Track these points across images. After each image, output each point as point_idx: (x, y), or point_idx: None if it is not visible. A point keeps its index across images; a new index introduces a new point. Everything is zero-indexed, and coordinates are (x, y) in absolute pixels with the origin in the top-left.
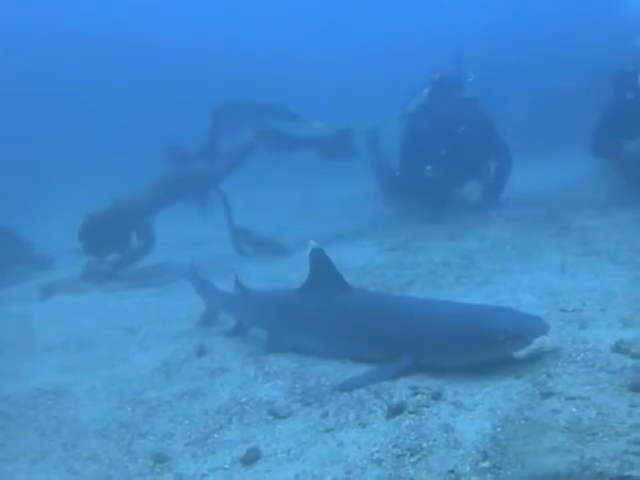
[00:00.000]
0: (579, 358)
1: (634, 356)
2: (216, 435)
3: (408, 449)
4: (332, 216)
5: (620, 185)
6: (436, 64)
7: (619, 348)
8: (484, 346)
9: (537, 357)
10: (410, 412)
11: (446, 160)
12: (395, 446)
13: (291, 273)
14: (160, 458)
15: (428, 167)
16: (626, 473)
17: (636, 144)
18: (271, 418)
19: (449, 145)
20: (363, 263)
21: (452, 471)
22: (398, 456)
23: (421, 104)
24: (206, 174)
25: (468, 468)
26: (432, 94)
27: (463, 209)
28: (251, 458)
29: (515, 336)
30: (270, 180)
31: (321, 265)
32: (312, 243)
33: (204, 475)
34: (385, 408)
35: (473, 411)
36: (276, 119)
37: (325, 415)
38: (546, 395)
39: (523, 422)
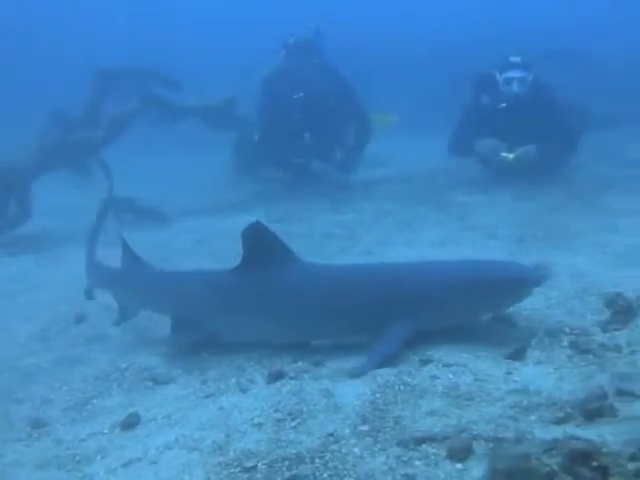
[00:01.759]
0: (458, 327)
1: (513, 326)
2: (95, 401)
3: (289, 413)
4: (217, 186)
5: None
6: (294, 29)
7: (497, 317)
8: (496, 296)
9: None
10: (291, 378)
11: (301, 126)
12: (276, 410)
13: (175, 241)
14: (38, 423)
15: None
16: (500, 435)
17: (484, 142)
18: (151, 384)
19: (304, 111)
20: None
21: (331, 434)
22: (278, 420)
23: (276, 68)
24: (86, 141)
25: (347, 431)
26: (287, 58)
27: (328, 180)
28: (130, 423)
29: (529, 282)
30: (154, 149)
31: (260, 239)
32: (252, 220)
33: (82, 440)
34: (266, 374)
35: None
36: (159, 87)
37: (205, 381)
38: (425, 362)
39: (402, 387)
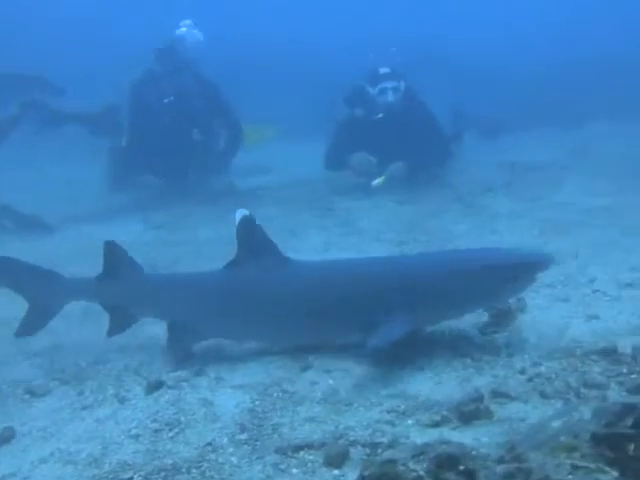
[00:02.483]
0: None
1: None
2: None
3: (166, 424)
4: (98, 193)
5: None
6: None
7: None
8: (506, 282)
9: None
10: (169, 387)
11: (171, 131)
12: (153, 421)
13: (57, 250)
14: None
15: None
16: (377, 440)
17: (356, 157)
18: (27, 397)
19: (173, 116)
20: (129, 241)
21: (209, 444)
22: (156, 431)
23: (145, 74)
24: None
25: (225, 440)
26: (155, 63)
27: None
28: (5, 437)
29: (541, 263)
30: (34, 156)
31: (253, 236)
32: (242, 211)
33: None
34: (145, 384)
35: (233, 385)
36: (41, 93)
37: (82, 393)
38: (305, 368)
39: (281, 395)
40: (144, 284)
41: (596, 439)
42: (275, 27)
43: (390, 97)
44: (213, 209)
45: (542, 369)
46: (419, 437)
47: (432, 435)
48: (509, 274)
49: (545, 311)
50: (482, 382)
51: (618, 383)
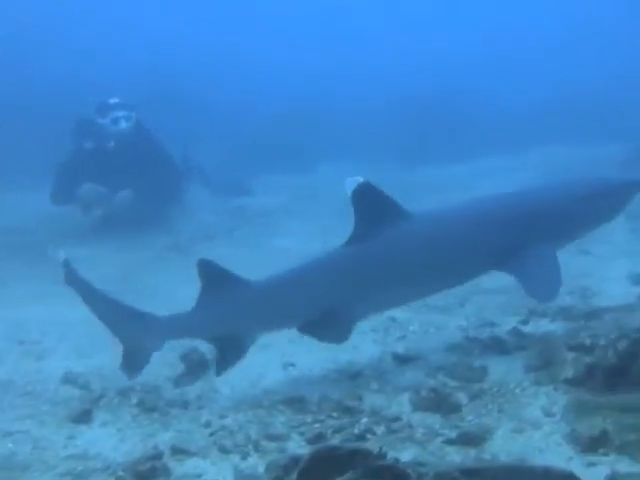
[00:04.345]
0: (28, 390)
1: (81, 387)
2: None
3: None
4: None
5: None
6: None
7: (67, 379)
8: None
9: None
10: None
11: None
12: None
13: None
14: None
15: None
16: None
17: (84, 188)
18: None
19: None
20: None
21: None
22: None
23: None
24: None
25: None
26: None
27: None
28: None
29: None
30: None
31: (370, 200)
32: (356, 179)
33: None
34: None
35: None
36: None
37: None
38: None
39: None
40: (258, 292)
41: None
42: None
43: (123, 125)
44: None
45: (228, 421)
46: None
47: None
48: (621, 196)
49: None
50: (166, 437)
51: (299, 433)
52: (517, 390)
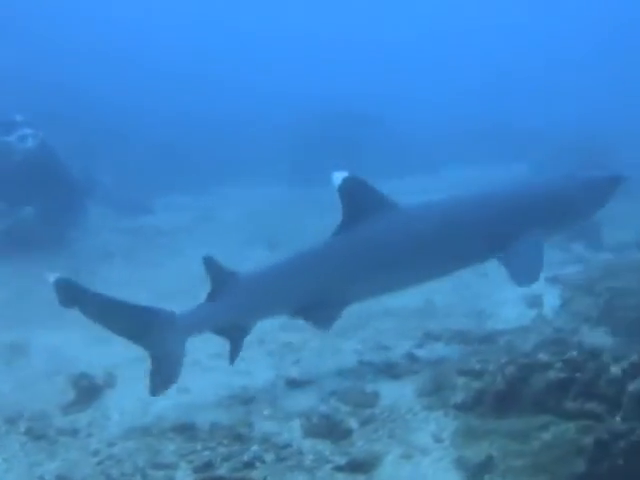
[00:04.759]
0: None
1: None
2: None
3: None
4: None
5: None
6: None
7: None
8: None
9: None
10: None
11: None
12: None
13: None
14: None
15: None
16: None
17: None
18: None
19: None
20: None
21: None
22: None
23: None
24: None
25: None
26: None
27: None
28: None
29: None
30: None
31: (356, 195)
32: (340, 174)
33: None
34: None
35: None
36: None
37: None
38: None
39: None
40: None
41: None
42: None
43: (30, 143)
44: None
45: (116, 450)
46: None
47: None
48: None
49: (134, 385)
50: (52, 467)
51: (188, 462)
52: (408, 415)
